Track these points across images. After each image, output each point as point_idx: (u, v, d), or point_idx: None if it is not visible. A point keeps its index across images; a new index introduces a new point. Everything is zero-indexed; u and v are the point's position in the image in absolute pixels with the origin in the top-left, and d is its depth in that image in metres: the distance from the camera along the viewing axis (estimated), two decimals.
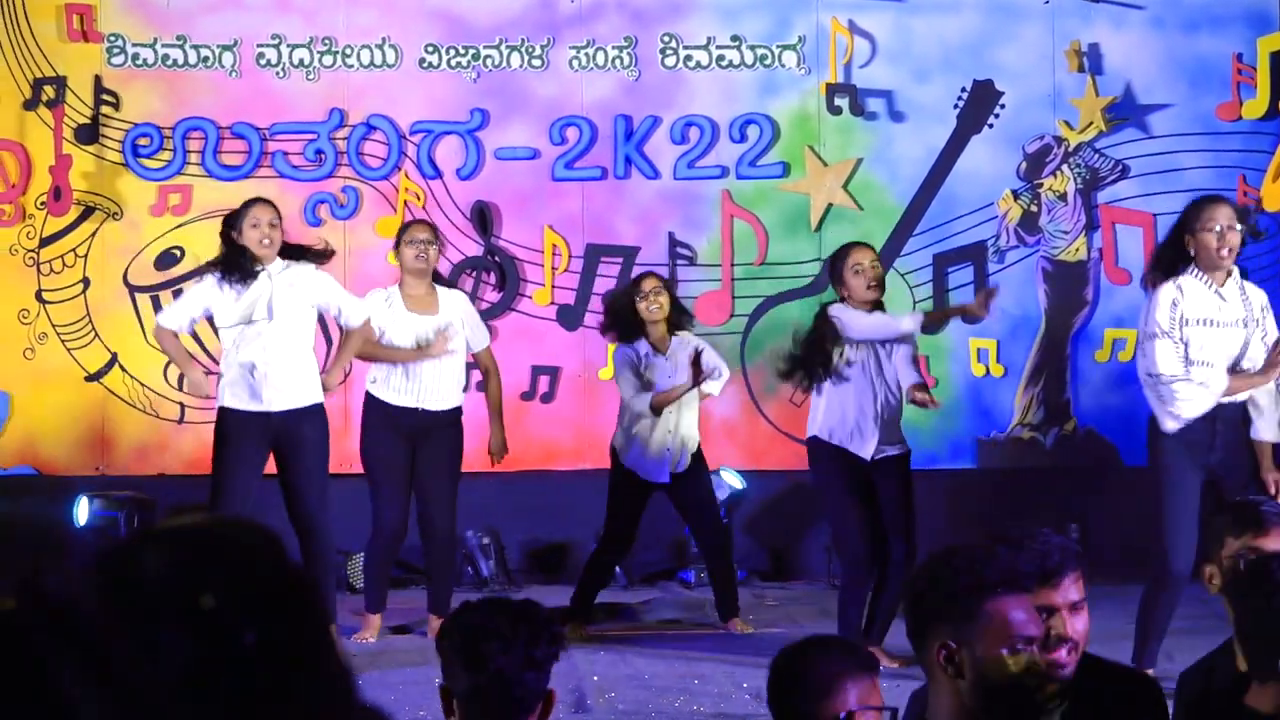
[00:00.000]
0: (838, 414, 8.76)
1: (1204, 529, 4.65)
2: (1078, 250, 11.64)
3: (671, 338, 9.66)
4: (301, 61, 11.52)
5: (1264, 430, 8.08)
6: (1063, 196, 11.66)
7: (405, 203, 11.38)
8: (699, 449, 9.66)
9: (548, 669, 3.86)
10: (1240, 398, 8.01)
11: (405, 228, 9.69)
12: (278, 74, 11.52)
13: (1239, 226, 7.96)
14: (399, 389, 9.33)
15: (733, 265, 11.58)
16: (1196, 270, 7.93)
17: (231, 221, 9.02)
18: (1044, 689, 3.48)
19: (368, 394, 9.48)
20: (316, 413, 8.93)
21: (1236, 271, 8.02)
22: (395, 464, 9.30)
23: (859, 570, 8.71)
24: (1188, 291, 7.91)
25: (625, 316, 9.65)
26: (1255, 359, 7.98)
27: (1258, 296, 8.10)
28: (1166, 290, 7.94)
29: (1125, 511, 10.02)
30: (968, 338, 11.59)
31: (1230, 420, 7.98)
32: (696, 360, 9.36)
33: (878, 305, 8.89)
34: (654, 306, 9.58)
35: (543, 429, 11.39)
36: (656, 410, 9.41)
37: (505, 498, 10.53)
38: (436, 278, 9.66)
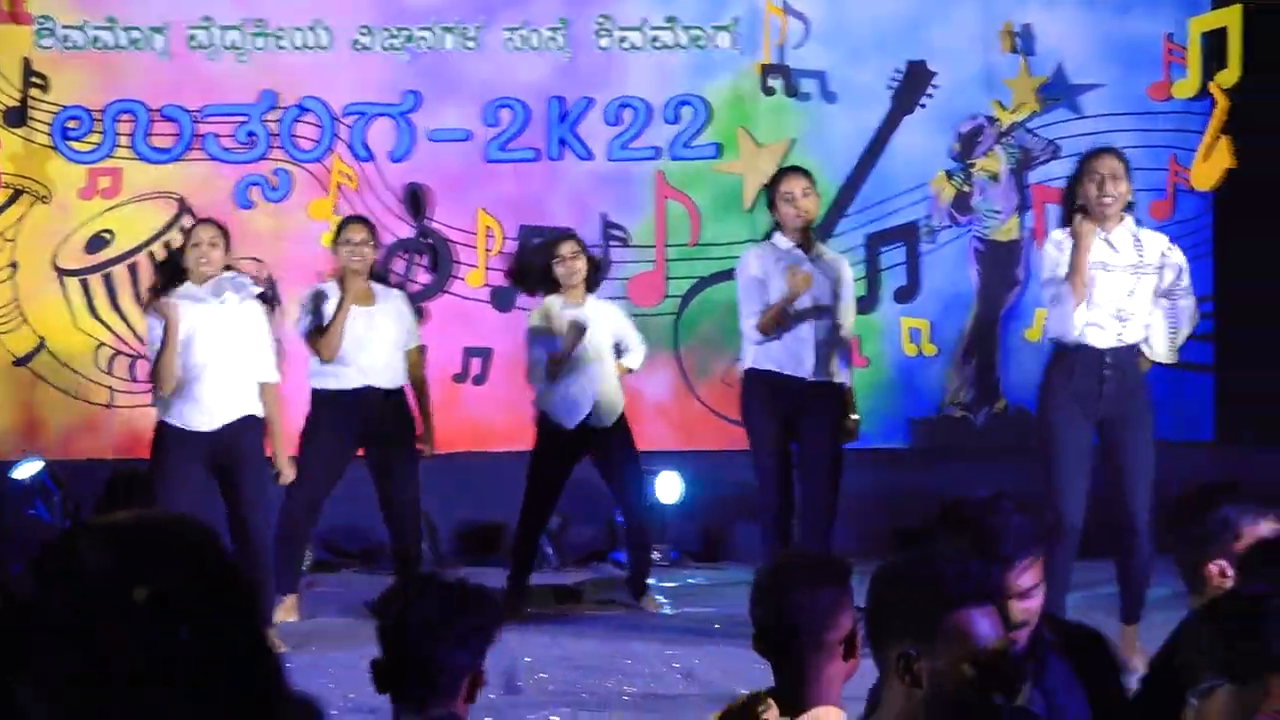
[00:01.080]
0: (770, 341, 8.98)
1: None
2: (1010, 230, 11.69)
3: (587, 298, 9.70)
4: (233, 43, 11.45)
5: (1155, 353, 8.35)
6: (995, 176, 11.71)
7: (338, 185, 11.34)
8: (624, 422, 9.71)
9: (475, 646, 3.86)
10: (1129, 339, 8.14)
11: (342, 227, 9.63)
12: (209, 56, 11.45)
13: (1125, 177, 8.19)
14: (336, 374, 9.32)
15: (666, 246, 11.59)
16: (1086, 219, 8.17)
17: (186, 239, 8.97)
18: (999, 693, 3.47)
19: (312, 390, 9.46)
20: (254, 426, 8.83)
21: (1129, 220, 8.27)
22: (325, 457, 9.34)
23: (769, 515, 9.03)
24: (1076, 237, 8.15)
25: (539, 274, 9.72)
26: (1142, 304, 8.19)
27: (1154, 243, 8.33)
28: (1051, 237, 8.34)
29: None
30: (900, 317, 11.64)
31: (1119, 369, 8.15)
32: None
33: (809, 231, 9.13)
34: (573, 274, 9.63)
35: (475, 410, 11.37)
36: (552, 376, 9.50)
37: (437, 479, 10.48)
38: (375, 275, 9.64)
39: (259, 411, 8.78)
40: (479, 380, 11.51)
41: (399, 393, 9.48)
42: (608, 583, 10.34)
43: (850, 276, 9.31)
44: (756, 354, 9.11)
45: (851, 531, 9.84)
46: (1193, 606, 4.50)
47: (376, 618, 3.97)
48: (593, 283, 9.78)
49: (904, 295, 11.71)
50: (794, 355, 8.98)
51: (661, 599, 9.97)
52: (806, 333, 8.99)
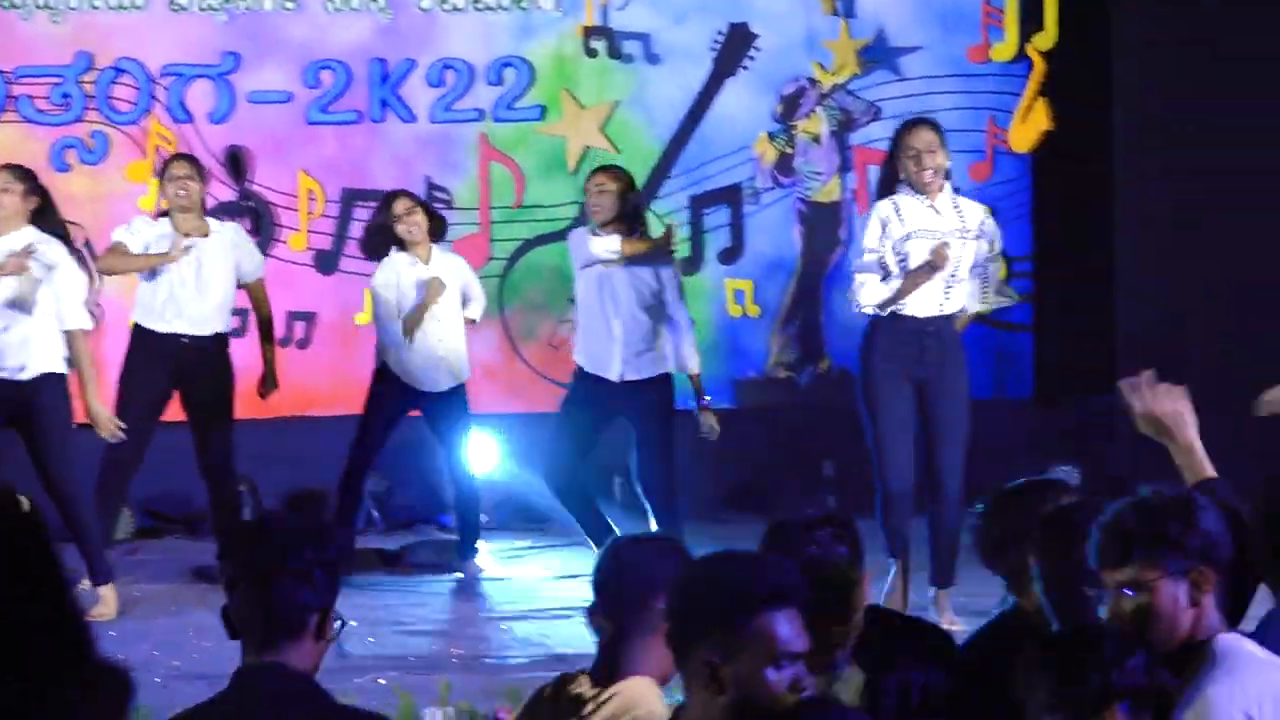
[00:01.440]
0: (586, 337, 9.06)
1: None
2: (832, 191, 11.77)
3: (433, 246, 9.69)
4: (46, 3, 11.23)
5: (970, 304, 8.48)
6: (817, 138, 11.77)
7: (156, 147, 11.18)
8: (462, 387, 9.71)
9: (320, 582, 3.79)
10: (950, 309, 8.26)
11: (166, 165, 9.56)
12: (22, 16, 11.23)
13: (940, 148, 8.31)
14: (160, 313, 9.20)
15: (490, 209, 11.55)
16: (908, 189, 8.32)
17: None
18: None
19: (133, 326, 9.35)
20: (53, 381, 8.66)
21: (949, 187, 8.42)
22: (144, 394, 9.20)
23: (555, 492, 9.33)
24: (902, 206, 8.31)
25: (384, 238, 9.66)
26: (965, 271, 8.38)
27: (973, 211, 8.48)
28: (878, 209, 8.38)
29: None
30: (724, 279, 11.69)
31: (939, 337, 8.27)
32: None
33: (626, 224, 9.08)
34: (413, 229, 9.59)
35: (299, 375, 11.23)
36: (408, 333, 9.47)
37: (262, 444, 10.41)
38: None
39: (61, 368, 8.62)
40: (302, 345, 11.42)
41: (223, 340, 9.34)
42: (434, 546, 10.30)
43: (671, 270, 9.17)
44: (578, 351, 9.15)
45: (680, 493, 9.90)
46: (1016, 605, 4.60)
47: (220, 562, 3.93)
48: (436, 234, 9.75)
49: (728, 257, 11.76)
50: (601, 357, 9.00)
51: (487, 561, 9.95)
52: (615, 334, 8.97)
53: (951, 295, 8.32)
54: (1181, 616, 3.78)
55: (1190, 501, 3.88)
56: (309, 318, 11.38)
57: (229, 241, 9.41)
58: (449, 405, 9.65)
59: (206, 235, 9.29)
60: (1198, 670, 3.72)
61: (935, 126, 8.43)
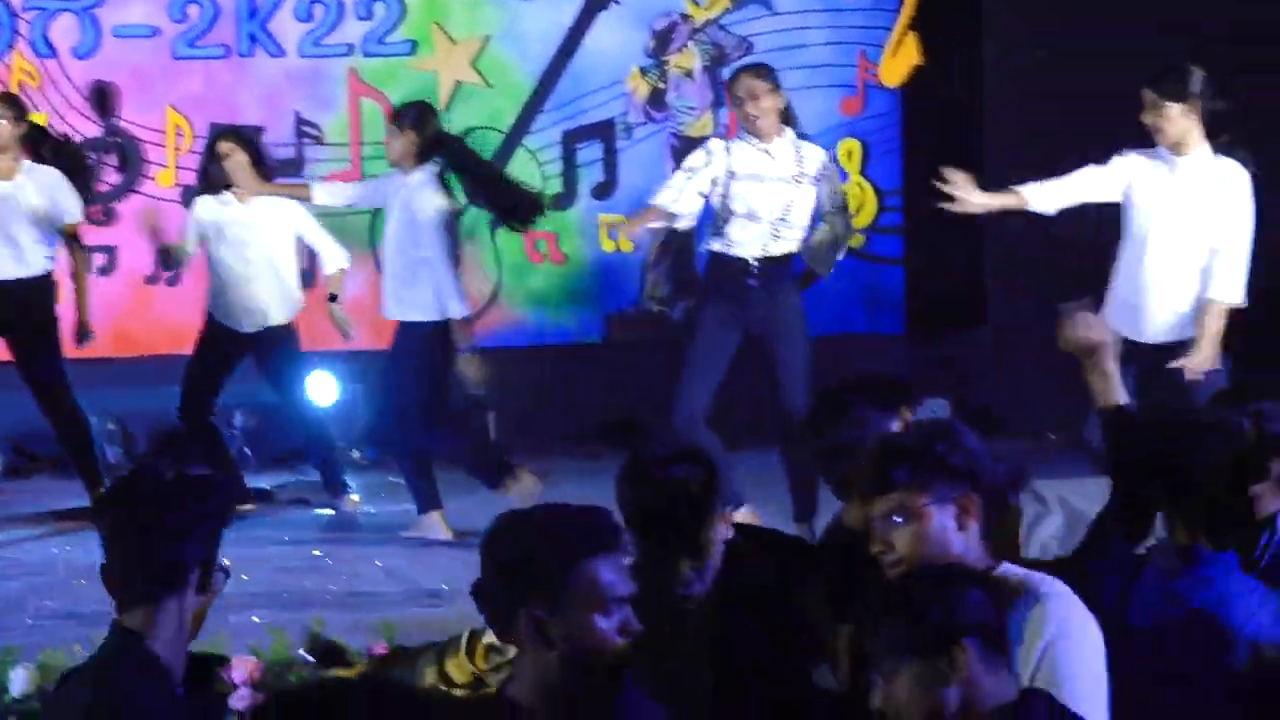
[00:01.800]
0: None
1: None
2: (704, 126, 11.76)
3: (256, 194, 9.47)
4: None
5: (817, 267, 8.68)
6: (689, 73, 11.77)
7: (19, 83, 11.01)
8: (288, 327, 9.62)
9: (198, 537, 3.76)
10: (777, 251, 8.43)
11: None
12: None
13: (766, 93, 8.38)
14: None
15: (361, 144, 11.47)
16: (745, 134, 8.47)
17: None
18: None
19: None
20: None
21: (790, 132, 8.51)
22: None
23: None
24: (734, 148, 8.48)
25: (214, 178, 9.47)
26: (801, 217, 8.47)
27: (814, 156, 8.57)
28: (710, 142, 8.71)
29: (748, 380, 10.19)
30: (597, 214, 11.68)
31: (764, 278, 8.35)
32: None
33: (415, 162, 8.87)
34: (234, 170, 9.35)
35: (170, 312, 11.17)
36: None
37: (131, 382, 10.34)
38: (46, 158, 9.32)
39: None
40: (172, 282, 11.30)
41: (39, 282, 9.15)
42: (307, 483, 10.26)
43: (433, 205, 8.73)
44: None
45: (549, 428, 9.90)
46: (844, 518, 4.66)
47: (96, 518, 3.90)
48: (262, 173, 9.45)
49: (601, 192, 11.75)
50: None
51: (360, 497, 9.90)
52: (386, 266, 8.91)
53: (781, 239, 8.42)
54: (951, 543, 3.87)
55: (952, 426, 4.00)
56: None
57: (41, 185, 9.11)
58: (268, 346, 9.53)
59: (12, 176, 9.05)
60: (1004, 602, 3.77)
61: (760, 71, 8.56)
